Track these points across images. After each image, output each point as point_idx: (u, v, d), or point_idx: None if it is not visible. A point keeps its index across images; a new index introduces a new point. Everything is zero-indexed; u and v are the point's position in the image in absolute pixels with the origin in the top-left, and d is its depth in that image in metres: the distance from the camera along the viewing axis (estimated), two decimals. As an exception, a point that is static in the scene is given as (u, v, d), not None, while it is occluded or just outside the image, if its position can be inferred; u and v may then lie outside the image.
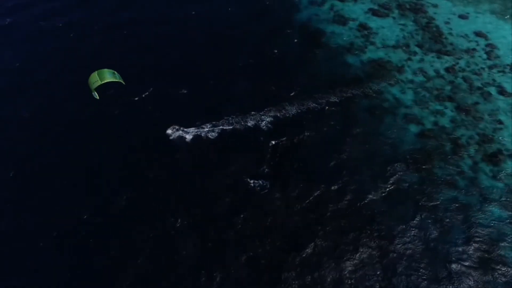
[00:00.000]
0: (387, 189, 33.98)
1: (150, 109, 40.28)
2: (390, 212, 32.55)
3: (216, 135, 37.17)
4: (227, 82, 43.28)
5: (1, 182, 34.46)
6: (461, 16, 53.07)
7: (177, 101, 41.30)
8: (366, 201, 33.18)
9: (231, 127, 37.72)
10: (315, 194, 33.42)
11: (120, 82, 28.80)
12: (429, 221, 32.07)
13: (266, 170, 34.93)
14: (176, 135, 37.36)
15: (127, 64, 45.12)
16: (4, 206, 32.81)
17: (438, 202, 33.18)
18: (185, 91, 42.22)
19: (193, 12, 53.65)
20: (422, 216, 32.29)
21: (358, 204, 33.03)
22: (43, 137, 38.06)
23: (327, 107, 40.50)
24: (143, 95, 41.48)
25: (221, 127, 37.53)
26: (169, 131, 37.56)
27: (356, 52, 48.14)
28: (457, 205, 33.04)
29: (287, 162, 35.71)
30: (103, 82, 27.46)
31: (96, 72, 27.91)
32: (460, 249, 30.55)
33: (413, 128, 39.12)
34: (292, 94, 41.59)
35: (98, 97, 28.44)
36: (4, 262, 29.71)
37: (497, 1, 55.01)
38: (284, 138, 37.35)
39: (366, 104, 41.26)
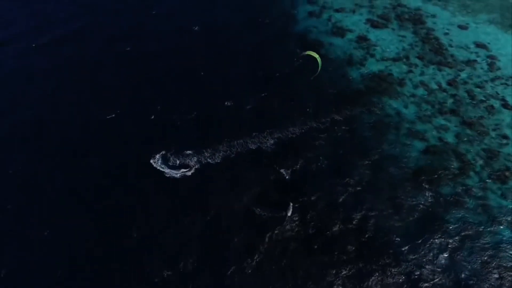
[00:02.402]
0: (398, 215, 32.94)
1: (143, 132, 39.20)
2: (404, 239, 31.59)
3: (219, 160, 35.72)
4: (228, 100, 42.09)
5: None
6: (461, 27, 52.58)
7: (175, 122, 40.01)
8: (380, 233, 31.78)
9: (234, 150, 36.41)
10: (331, 228, 31.92)
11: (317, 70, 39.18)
12: (443, 245, 31.21)
13: (277, 202, 33.15)
14: (174, 161, 35.74)
15: (126, 84, 44.60)
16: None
17: (448, 225, 32.25)
18: (185, 111, 41.03)
19: (196, 28, 52.96)
20: (434, 241, 31.36)
21: (372, 236, 31.69)
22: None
23: (330, 126, 39.45)
24: (140, 117, 40.46)
25: (223, 152, 36.15)
26: (164, 157, 35.91)
27: (356, 65, 47.41)
28: (466, 227, 32.15)
29: (297, 191, 34.00)
30: (315, 57, 37.50)
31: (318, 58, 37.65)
32: (473, 273, 29.68)
33: (418, 145, 38.26)
34: (294, 112, 40.56)
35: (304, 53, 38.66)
36: None
37: (496, 11, 54.65)
38: (290, 164, 35.94)
39: (370, 120, 40.33)
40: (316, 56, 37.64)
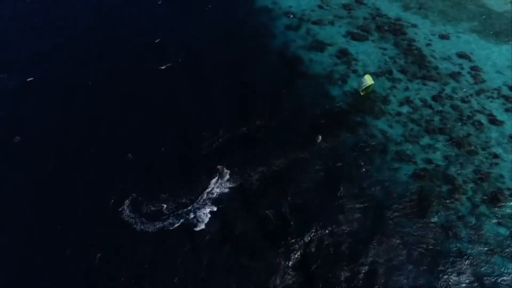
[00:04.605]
0: (389, 249, 31.12)
1: (115, 172, 36.38)
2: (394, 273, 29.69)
3: (207, 213, 32.32)
4: (206, 131, 39.50)
5: None
6: (442, 37, 51.15)
7: (151, 160, 37.17)
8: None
9: (215, 190, 33.59)
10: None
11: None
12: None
13: (268, 249, 30.68)
14: (148, 208, 32.76)
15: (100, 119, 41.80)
16: None
17: (442, 258, 30.44)
18: (162, 147, 38.22)
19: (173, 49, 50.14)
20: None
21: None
22: None
23: (317, 154, 37.23)
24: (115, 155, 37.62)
25: (206, 196, 33.06)
26: (135, 203, 32.93)
27: (338, 81, 45.34)
28: (462, 258, 30.36)
29: (286, 235, 31.61)
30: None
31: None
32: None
33: (406, 169, 36.38)
34: (278, 141, 38.21)
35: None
36: None
37: (476, 18, 53.42)
38: (277, 203, 33.33)
39: (356, 144, 38.19)
40: (371, 82, 41.91)
